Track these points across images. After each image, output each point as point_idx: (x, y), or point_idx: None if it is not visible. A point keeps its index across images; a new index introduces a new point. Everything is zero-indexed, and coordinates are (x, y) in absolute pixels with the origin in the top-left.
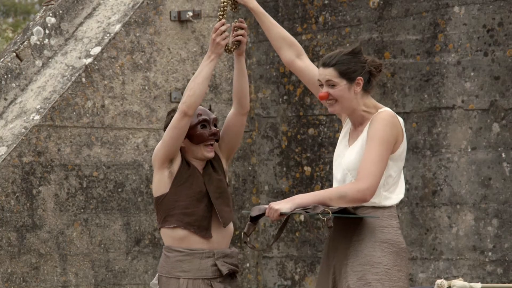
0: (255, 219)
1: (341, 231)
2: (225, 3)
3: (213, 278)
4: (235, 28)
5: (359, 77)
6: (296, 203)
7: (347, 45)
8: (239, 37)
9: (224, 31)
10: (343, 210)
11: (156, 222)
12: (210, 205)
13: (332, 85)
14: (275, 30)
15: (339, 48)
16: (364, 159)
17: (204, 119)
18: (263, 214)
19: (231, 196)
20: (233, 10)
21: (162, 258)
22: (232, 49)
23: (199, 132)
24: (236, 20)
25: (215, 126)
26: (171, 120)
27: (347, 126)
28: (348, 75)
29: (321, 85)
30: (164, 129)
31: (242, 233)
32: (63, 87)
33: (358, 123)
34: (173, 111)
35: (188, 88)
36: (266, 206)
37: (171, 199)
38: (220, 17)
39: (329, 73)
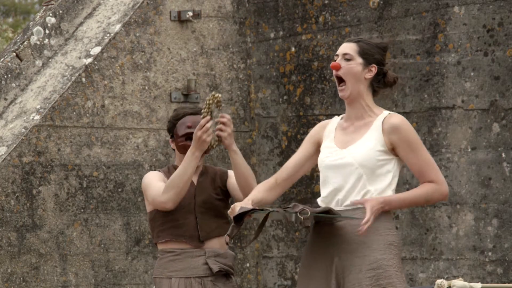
0: (238, 220)
1: (341, 232)
2: (210, 101)
3: (205, 276)
4: (218, 123)
5: (374, 65)
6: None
7: None
8: (218, 132)
9: (209, 128)
10: (327, 211)
11: None
12: None
13: (347, 59)
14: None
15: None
16: (425, 165)
17: (190, 132)
18: (246, 213)
19: (225, 212)
20: (219, 108)
21: (156, 261)
22: (214, 145)
23: (183, 143)
24: (219, 115)
25: None
26: (169, 120)
27: (329, 136)
28: (366, 56)
29: (335, 60)
30: (168, 130)
31: (225, 236)
32: (63, 87)
33: (356, 117)
34: (175, 111)
35: (175, 185)
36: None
37: (162, 214)
38: (205, 114)
39: (350, 47)
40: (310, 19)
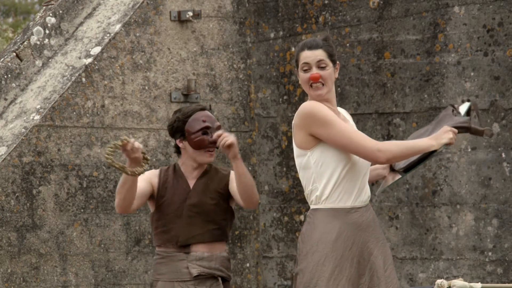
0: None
1: (373, 218)
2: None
3: (187, 280)
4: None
5: (337, 62)
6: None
7: (347, 45)
8: (228, 143)
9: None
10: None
11: None
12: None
13: (323, 66)
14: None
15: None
16: None
17: (207, 126)
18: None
19: (221, 219)
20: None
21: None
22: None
23: (200, 138)
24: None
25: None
26: (175, 120)
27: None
28: (332, 58)
29: (307, 70)
30: (175, 130)
31: (485, 129)
32: (63, 87)
33: (334, 110)
34: (179, 111)
35: (118, 191)
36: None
37: (156, 218)
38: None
39: (320, 54)
40: (310, 19)
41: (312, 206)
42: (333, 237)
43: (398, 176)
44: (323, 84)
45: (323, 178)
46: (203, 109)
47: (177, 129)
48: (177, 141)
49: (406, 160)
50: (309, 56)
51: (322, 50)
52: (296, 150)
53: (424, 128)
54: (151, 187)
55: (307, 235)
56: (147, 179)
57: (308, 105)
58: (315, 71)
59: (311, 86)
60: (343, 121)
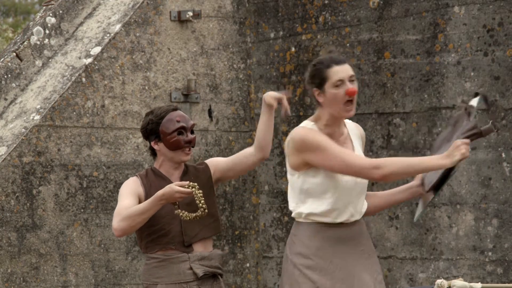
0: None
1: (365, 230)
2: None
3: (190, 281)
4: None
5: None
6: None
7: (347, 45)
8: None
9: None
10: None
11: None
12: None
13: (353, 80)
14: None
15: (329, 49)
16: None
17: (182, 126)
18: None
19: (215, 211)
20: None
21: (143, 266)
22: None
23: (175, 138)
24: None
25: (192, 132)
26: (148, 122)
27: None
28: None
29: (337, 86)
30: (149, 132)
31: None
32: (63, 87)
33: (338, 126)
34: (152, 113)
35: (132, 218)
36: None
37: (147, 225)
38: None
39: (349, 68)
40: (310, 19)
41: (296, 219)
42: (312, 252)
43: (431, 196)
44: (352, 104)
45: (307, 202)
46: (175, 109)
47: (151, 131)
48: (152, 143)
49: (430, 181)
50: (342, 71)
51: (348, 64)
52: (288, 167)
53: (446, 131)
54: (139, 198)
55: (289, 247)
56: (133, 193)
57: (300, 132)
58: (349, 86)
59: (349, 101)
60: (337, 143)
